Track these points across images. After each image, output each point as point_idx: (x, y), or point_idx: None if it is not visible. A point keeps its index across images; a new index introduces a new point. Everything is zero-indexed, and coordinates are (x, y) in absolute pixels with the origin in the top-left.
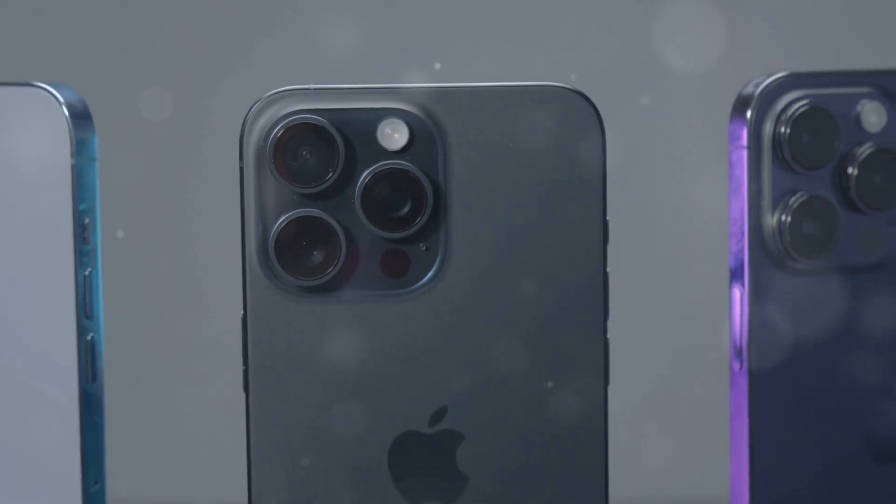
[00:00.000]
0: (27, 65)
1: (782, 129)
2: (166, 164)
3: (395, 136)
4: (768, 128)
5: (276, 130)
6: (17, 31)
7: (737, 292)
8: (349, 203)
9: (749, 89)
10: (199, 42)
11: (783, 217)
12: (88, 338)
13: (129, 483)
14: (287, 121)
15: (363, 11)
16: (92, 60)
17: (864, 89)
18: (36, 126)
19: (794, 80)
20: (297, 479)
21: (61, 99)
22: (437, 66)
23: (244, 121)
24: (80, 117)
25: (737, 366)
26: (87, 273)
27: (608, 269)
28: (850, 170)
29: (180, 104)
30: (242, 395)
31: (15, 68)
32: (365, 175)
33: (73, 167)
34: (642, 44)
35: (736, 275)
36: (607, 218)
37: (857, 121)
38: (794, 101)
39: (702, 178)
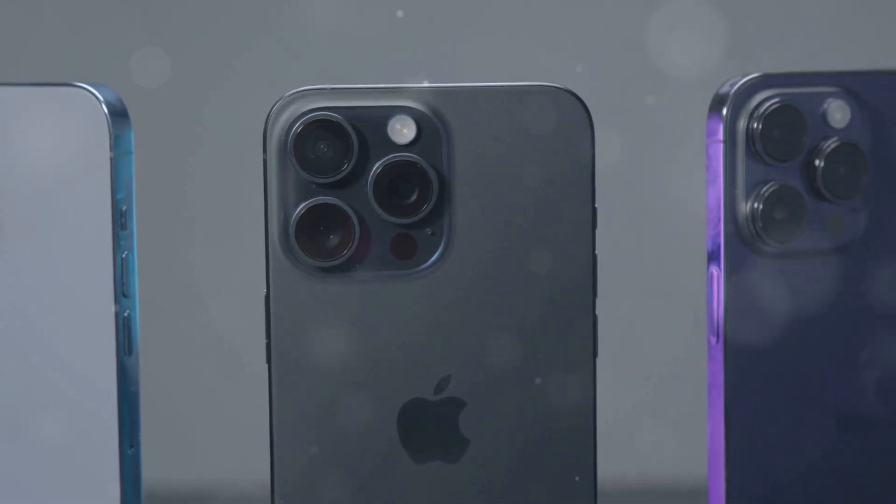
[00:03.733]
0: (52, 65)
1: (755, 125)
2: (190, 158)
3: (403, 131)
4: (742, 124)
5: (296, 126)
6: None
7: (714, 272)
8: (362, 192)
9: (725, 88)
10: (215, 39)
11: (755, 205)
12: (125, 314)
13: (151, 458)
14: (306, 117)
15: (367, 11)
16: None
17: (830, 89)
18: (78, 122)
19: (766, 80)
20: (316, 441)
21: (101, 98)
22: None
23: (267, 117)
24: (118, 114)
25: (714, 340)
26: (124, 256)
27: (596, 252)
28: (816, 162)
29: (202, 100)
30: (262, 369)
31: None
32: (376, 166)
33: (111, 160)
34: (637, 43)
35: (713, 257)
36: (595, 205)
37: (824, 117)
38: (766, 100)
39: (687, 170)
